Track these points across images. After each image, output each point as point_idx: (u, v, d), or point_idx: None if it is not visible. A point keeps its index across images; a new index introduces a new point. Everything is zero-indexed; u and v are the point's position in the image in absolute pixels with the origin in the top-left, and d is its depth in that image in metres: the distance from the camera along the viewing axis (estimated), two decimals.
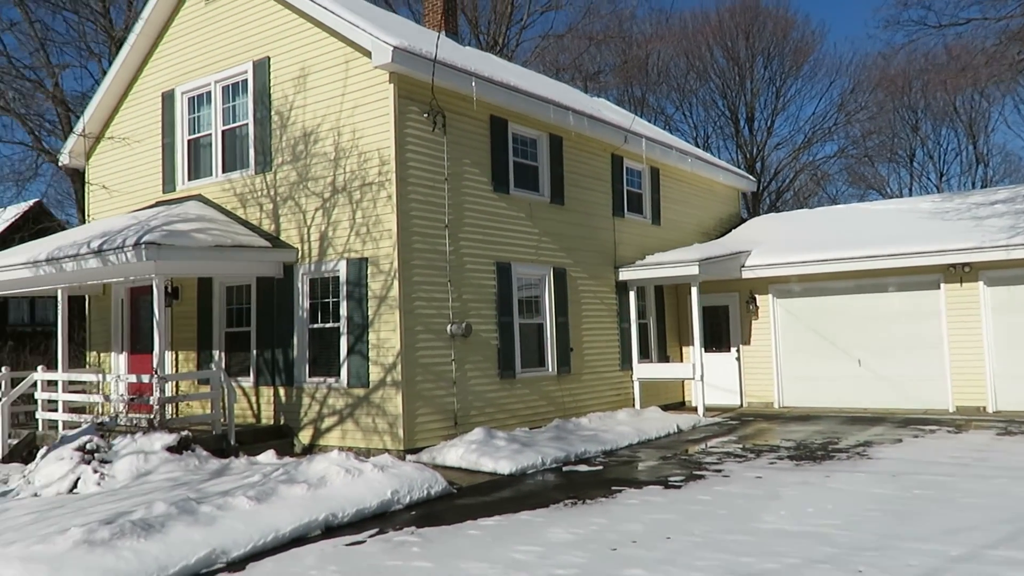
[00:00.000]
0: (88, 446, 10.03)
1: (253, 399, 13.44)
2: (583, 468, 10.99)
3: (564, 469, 10.96)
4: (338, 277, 12.51)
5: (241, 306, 13.91)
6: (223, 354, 13.94)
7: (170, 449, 10.31)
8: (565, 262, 15.16)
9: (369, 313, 12.04)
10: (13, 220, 28.88)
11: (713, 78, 41.82)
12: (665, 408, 16.69)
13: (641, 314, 17.36)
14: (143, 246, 11.12)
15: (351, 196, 12.35)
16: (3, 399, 13.08)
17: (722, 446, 12.49)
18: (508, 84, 13.50)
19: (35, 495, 9.47)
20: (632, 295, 16.77)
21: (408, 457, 11.33)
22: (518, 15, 30.50)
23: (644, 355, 17.28)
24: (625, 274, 16.55)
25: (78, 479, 9.57)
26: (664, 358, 18.03)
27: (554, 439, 12.26)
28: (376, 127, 12.05)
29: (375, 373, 11.92)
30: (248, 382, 13.45)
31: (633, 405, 16.59)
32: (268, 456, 11.04)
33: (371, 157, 12.11)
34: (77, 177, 22.33)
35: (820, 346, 17.24)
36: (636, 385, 16.67)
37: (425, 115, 12.32)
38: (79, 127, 15.91)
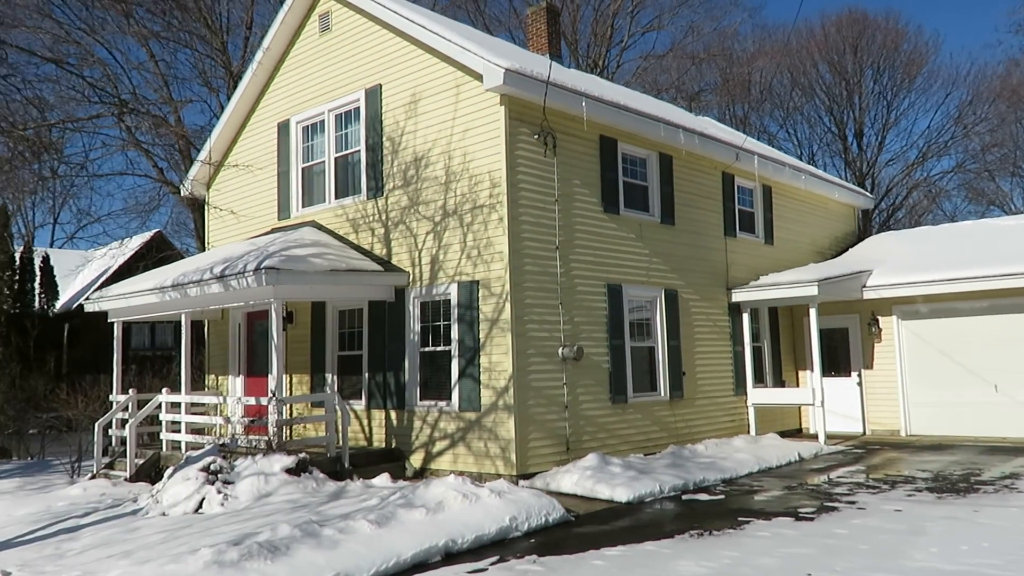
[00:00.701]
0: (212, 467, 10.25)
1: (365, 422, 13.54)
2: (703, 497, 10.53)
3: (683, 498, 10.54)
4: (449, 300, 12.50)
5: (353, 330, 14.09)
6: (335, 377, 14.13)
7: (289, 471, 10.43)
8: (676, 283, 14.76)
9: (480, 336, 11.96)
10: (137, 249, 30.37)
11: (819, 94, 40.61)
12: (782, 435, 15.97)
13: (755, 337, 16.73)
14: (263, 271, 11.38)
15: (462, 219, 12.35)
16: (131, 420, 13.58)
17: (850, 476, 11.80)
18: (618, 103, 13.30)
19: (163, 514, 9.72)
20: (746, 317, 16.18)
21: (521, 482, 11.13)
22: (618, 36, 30.37)
23: (758, 380, 16.62)
24: (738, 295, 16.00)
25: (203, 499, 9.77)
26: (779, 383, 17.30)
27: (670, 466, 11.84)
28: (487, 150, 12.04)
29: (487, 397, 11.82)
30: (360, 405, 13.57)
31: (748, 432, 15.95)
32: (382, 479, 11.04)
33: (482, 180, 12.10)
34: (196, 208, 23.34)
35: (950, 370, 16.19)
36: (751, 411, 16.03)
37: (535, 136, 12.24)
38: (203, 154, 16.55)
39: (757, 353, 16.76)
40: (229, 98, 18.44)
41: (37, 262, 29.65)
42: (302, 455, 10.87)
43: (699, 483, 11.25)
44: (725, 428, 15.46)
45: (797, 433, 17.38)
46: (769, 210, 17.65)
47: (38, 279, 29.39)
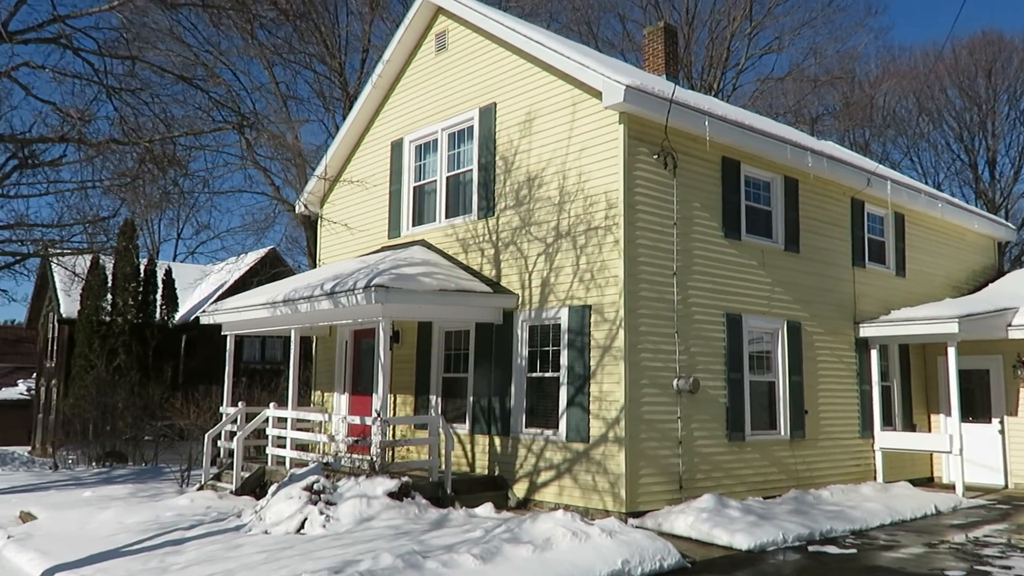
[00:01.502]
0: (315, 486, 10.07)
1: (468, 447, 13.19)
2: (832, 550, 9.64)
3: (809, 549, 9.68)
4: (559, 325, 12.05)
5: (459, 351, 13.81)
6: (440, 399, 13.86)
7: (391, 495, 10.15)
8: (800, 315, 13.85)
9: (591, 363, 11.44)
10: (252, 265, 31.31)
11: (948, 120, 38.38)
12: (912, 484, 14.70)
13: (883, 376, 15.54)
14: (372, 288, 11.22)
15: (575, 241, 11.91)
16: (239, 434, 13.67)
17: (999, 536, 10.62)
18: (742, 123, 12.63)
19: (265, 532, 9.57)
20: (874, 354, 15.06)
21: (630, 521, 10.50)
22: (734, 58, 29.48)
23: (886, 422, 15.42)
24: (867, 330, 14.92)
25: (305, 519, 9.58)
26: (909, 426, 16.02)
27: (793, 512, 10.96)
28: (604, 169, 11.58)
29: (596, 427, 11.26)
30: (463, 429, 13.23)
31: (874, 478, 14.77)
32: (486, 509, 10.62)
33: (598, 201, 11.63)
34: (308, 225, 23.76)
35: None
36: (878, 456, 14.86)
37: (655, 156, 11.71)
38: (319, 169, 16.71)
39: (885, 393, 15.57)
40: (344, 118, 18.68)
41: (160, 275, 30.90)
42: (405, 479, 10.58)
43: (826, 533, 10.34)
44: (850, 473, 14.36)
45: (928, 482, 16.02)
46: (901, 239, 16.47)
47: (160, 291, 30.59)
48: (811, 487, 13.26)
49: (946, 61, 38.35)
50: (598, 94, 11.50)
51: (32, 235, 16.04)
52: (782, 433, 13.25)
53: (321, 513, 9.61)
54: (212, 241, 69.73)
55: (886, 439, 14.87)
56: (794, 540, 9.90)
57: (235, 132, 12.97)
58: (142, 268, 29.86)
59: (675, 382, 11.56)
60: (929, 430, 16.42)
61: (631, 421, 10.97)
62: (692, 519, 10.10)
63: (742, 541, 9.50)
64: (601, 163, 11.63)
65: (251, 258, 33.01)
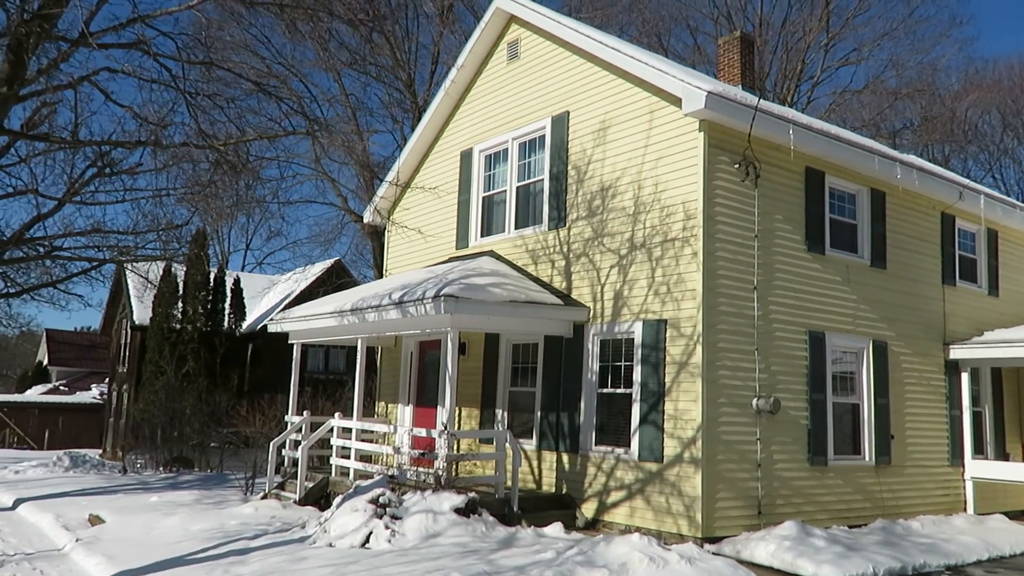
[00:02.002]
0: (381, 500, 9.83)
1: (535, 463, 12.82)
2: None
3: None
4: (632, 339, 11.62)
5: (526, 365, 13.47)
6: (506, 413, 13.54)
7: (458, 511, 9.84)
8: (886, 334, 13.14)
9: (666, 380, 10.98)
10: (318, 275, 31.56)
11: None
12: (1007, 516, 13.78)
13: (974, 401, 14.66)
14: (441, 298, 10.99)
15: (650, 253, 11.49)
16: (303, 443, 13.57)
17: None
18: (828, 132, 12.07)
19: (330, 545, 9.35)
20: (965, 377, 14.22)
21: (706, 547, 9.98)
22: (810, 70, 28.66)
23: (977, 450, 14.51)
24: (958, 352, 14.09)
25: (370, 533, 9.33)
26: (1002, 455, 15.07)
27: (882, 544, 10.29)
28: (682, 179, 11.16)
29: (670, 447, 10.78)
30: (530, 445, 12.87)
31: (964, 509, 13.90)
32: (555, 529, 10.23)
33: (675, 211, 11.21)
34: (375, 237, 23.81)
35: None
36: (969, 485, 13.99)
37: (736, 165, 11.23)
38: (390, 176, 16.62)
39: (976, 419, 14.68)
40: (413, 130, 18.60)
41: (229, 284, 31.38)
42: (472, 495, 10.27)
43: (919, 568, 9.65)
44: (938, 503, 13.53)
45: (1022, 515, 15.02)
46: (994, 257, 15.58)
47: (228, 300, 31.04)
48: (898, 517, 12.52)
49: None
50: (677, 101, 11.10)
51: (108, 241, 16.29)
52: (867, 459, 12.55)
53: (387, 528, 9.36)
54: (280, 252, 71.08)
55: (978, 468, 13.99)
56: (884, 574, 9.25)
57: (306, 139, 12.96)
58: (212, 277, 30.40)
59: (754, 402, 11.02)
60: (1023, 459, 15.43)
61: (708, 441, 10.47)
62: (774, 547, 9.53)
63: (829, 573, 8.91)
64: (679, 172, 11.21)
65: (317, 269, 33.32)
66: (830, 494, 11.87)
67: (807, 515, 11.32)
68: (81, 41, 7.49)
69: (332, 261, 34.35)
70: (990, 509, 14.10)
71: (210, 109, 9.72)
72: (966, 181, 14.96)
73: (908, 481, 13.12)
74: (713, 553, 9.60)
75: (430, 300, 11.18)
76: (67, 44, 7.66)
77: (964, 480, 14.03)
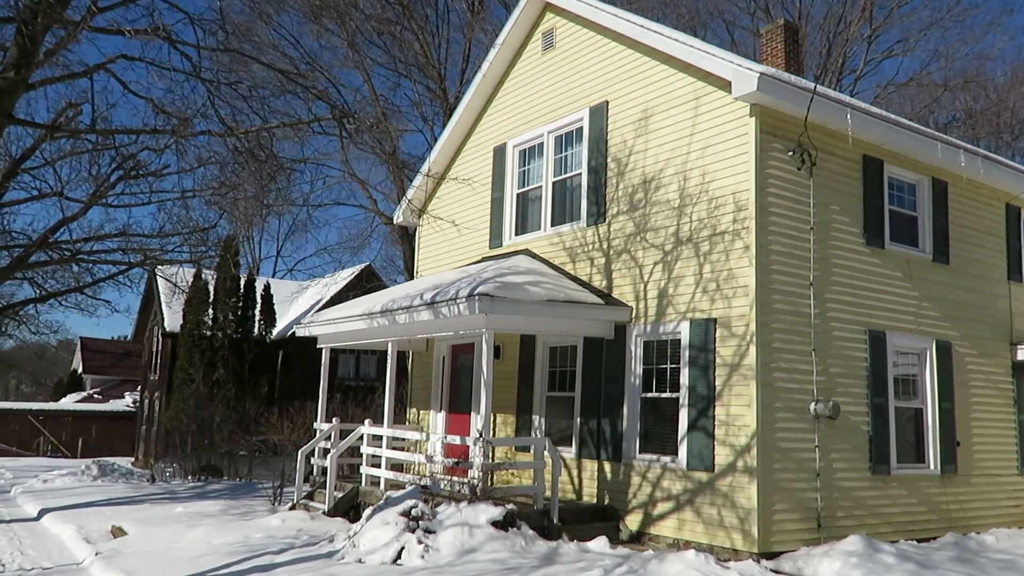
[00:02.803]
0: (413, 512, 9.21)
1: (574, 472, 12.13)
2: None
3: None
4: (679, 340, 10.91)
5: (565, 368, 12.80)
6: (543, 420, 12.87)
7: (495, 524, 9.19)
8: (950, 334, 12.29)
9: (716, 383, 10.25)
10: (348, 281, 31.15)
11: None
12: None
13: None
14: (476, 298, 10.36)
15: (697, 248, 10.78)
16: (332, 452, 13.01)
17: None
18: (888, 118, 11.29)
19: (359, 561, 8.75)
20: None
21: (763, 562, 9.23)
22: (852, 63, 27.69)
23: None
24: None
25: (402, 548, 8.71)
26: None
27: (956, 560, 9.46)
28: (731, 168, 10.44)
29: (722, 455, 10.05)
30: (569, 453, 12.18)
31: None
32: (600, 544, 9.54)
33: (724, 203, 10.49)
34: (405, 240, 23.31)
35: None
36: None
37: (790, 153, 10.49)
38: (424, 168, 16.01)
39: None
40: (444, 127, 18.06)
41: (259, 290, 31.09)
42: (510, 506, 9.61)
43: None
44: (1008, 515, 12.61)
45: None
46: None
47: (259, 306, 30.74)
48: (966, 530, 11.66)
49: None
50: (726, 85, 10.39)
51: (133, 244, 15.93)
52: (931, 467, 11.70)
53: (420, 542, 8.73)
54: (310, 259, 71.12)
55: None
56: None
57: (334, 141, 12.39)
58: (242, 283, 30.12)
59: (812, 406, 10.24)
60: None
61: (764, 449, 9.72)
62: (839, 564, 8.75)
63: None
64: (729, 161, 10.49)
65: (347, 274, 32.94)
66: (893, 505, 11.04)
67: (870, 528, 10.51)
68: (87, 18, 7.00)
69: (362, 266, 33.96)
70: None
71: (233, 100, 9.23)
72: None
73: (975, 491, 12.23)
74: (772, 571, 8.86)
75: (463, 300, 10.57)
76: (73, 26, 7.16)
77: None
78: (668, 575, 7.22)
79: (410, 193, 16.73)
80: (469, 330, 11.21)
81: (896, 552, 9.21)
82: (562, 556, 8.79)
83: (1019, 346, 13.26)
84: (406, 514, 9.20)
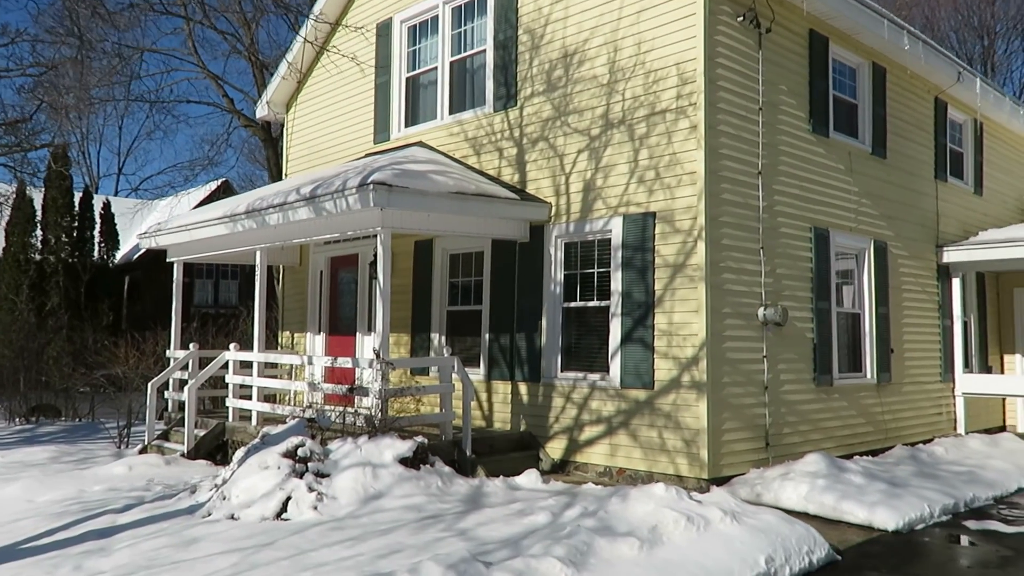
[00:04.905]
0: (300, 451, 7.32)
1: (483, 396, 10.53)
2: (997, 526, 7.24)
3: (968, 525, 7.28)
4: (608, 240, 9.35)
5: (468, 279, 11.07)
6: (444, 339, 11.14)
7: (403, 462, 7.46)
8: (885, 234, 11.37)
9: (656, 288, 8.80)
10: (202, 199, 27.87)
11: None
12: (988, 433, 12.48)
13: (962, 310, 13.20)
14: (371, 187, 8.37)
15: (632, 131, 9.16)
16: (191, 382, 10.81)
17: None
18: None
19: (232, 517, 6.82)
20: (956, 283, 12.70)
21: (714, 489, 7.99)
22: None
23: (965, 363, 13.10)
24: (952, 255, 12.53)
25: (288, 498, 6.85)
26: (984, 368, 13.78)
27: (920, 476, 8.57)
28: (675, 35, 8.80)
29: (663, 370, 8.66)
30: (477, 375, 10.53)
31: (954, 428, 12.54)
32: (530, 479, 8.02)
33: (665, 76, 8.87)
34: (269, 145, 20.61)
35: None
36: (960, 402, 12.59)
37: (739, 19, 8.95)
38: (290, 55, 13.50)
39: (964, 330, 13.23)
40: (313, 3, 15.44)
41: (98, 209, 27.44)
42: (420, 439, 7.87)
43: (970, 503, 7.97)
44: (931, 423, 12.08)
45: (1000, 431, 13.84)
46: (980, 152, 14.03)
47: (98, 227, 27.17)
48: (897, 441, 10.97)
49: None
50: None
51: None
52: (868, 376, 10.85)
53: (311, 490, 6.89)
54: (157, 177, 64.98)
55: (969, 383, 12.59)
56: (941, 513, 7.50)
57: (178, 6, 10.03)
58: (76, 200, 26.40)
59: (761, 311, 8.98)
60: (1002, 371, 14.24)
61: (713, 361, 8.39)
62: (806, 488, 7.60)
63: (886, 518, 7.03)
64: (671, 27, 8.84)
65: (202, 193, 29.61)
66: (835, 418, 10.10)
67: (814, 444, 9.52)
68: None
69: (218, 182, 30.70)
70: (975, 427, 12.84)
71: None
72: (961, 64, 13.17)
73: (906, 400, 11.55)
74: (745, 500, 7.60)
75: (353, 191, 8.55)
76: None
77: (955, 396, 12.62)
78: (636, 517, 5.75)
79: (274, 82, 14.19)
80: (360, 230, 9.21)
81: (862, 471, 8.18)
82: (489, 497, 7.19)
83: (944, 248, 12.59)
84: (291, 455, 7.30)
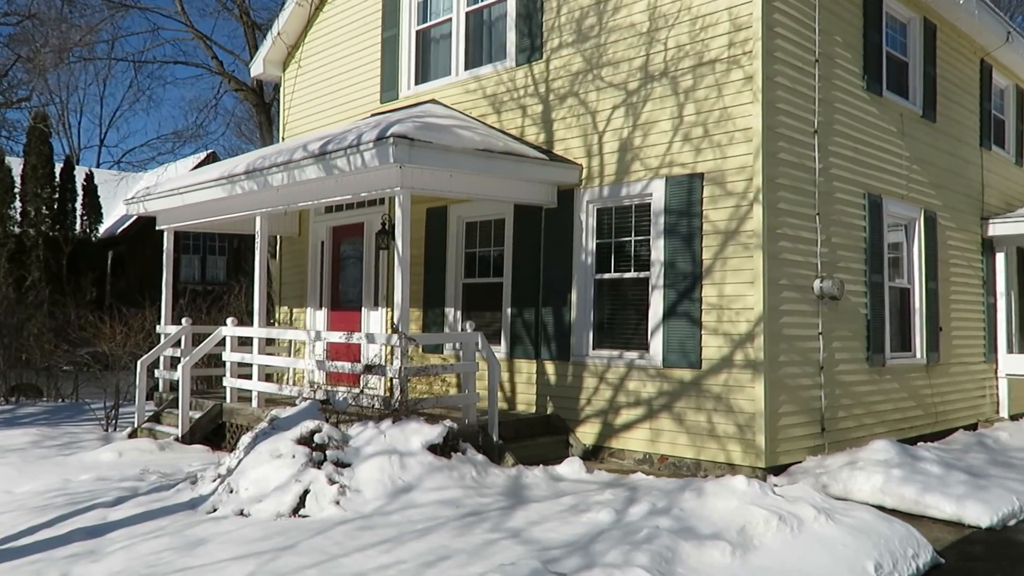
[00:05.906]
0: (317, 438, 6.45)
1: (505, 376, 9.69)
2: None
3: None
4: (648, 204, 8.51)
5: (487, 250, 10.20)
6: (460, 313, 10.28)
7: (432, 449, 6.62)
8: (935, 203, 10.59)
9: (704, 257, 7.97)
10: (190, 169, 26.78)
11: None
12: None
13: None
14: (390, 140, 7.46)
15: (675, 83, 8.29)
16: (185, 360, 9.90)
17: None
18: None
19: (242, 513, 5.97)
20: (1000, 258, 11.98)
21: (770, 479, 7.22)
22: None
23: (1008, 343, 12.39)
24: (998, 228, 11.78)
25: (306, 492, 5.99)
26: (1023, 347, 13.09)
27: (994, 464, 7.84)
28: None
29: (713, 348, 7.85)
30: (499, 352, 9.68)
31: (997, 411, 11.85)
32: (573, 469, 7.22)
33: (715, 22, 8.00)
34: (262, 111, 19.58)
35: None
36: (1003, 384, 11.90)
37: None
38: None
39: (1007, 307, 12.51)
40: None
41: (80, 180, 26.27)
42: (449, 424, 7.03)
43: None
44: (976, 407, 11.37)
45: None
46: (1022, 121, 13.27)
47: (80, 199, 26.02)
48: (944, 425, 10.26)
49: None
50: None
51: None
52: (918, 356, 10.10)
53: (332, 482, 6.04)
54: (140, 150, 63.27)
55: (1013, 363, 11.89)
56: None
57: None
58: (57, 170, 25.23)
59: (817, 284, 8.18)
60: None
61: (771, 338, 7.59)
62: (881, 479, 6.83)
63: (979, 514, 6.28)
64: None
65: (189, 163, 28.48)
66: (886, 401, 9.34)
67: (867, 429, 8.78)
68: None
69: (205, 154, 29.57)
70: (1018, 411, 12.16)
71: None
72: (1010, 24, 12.35)
73: (952, 382, 10.82)
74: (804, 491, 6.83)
75: (370, 145, 7.64)
76: None
77: (998, 378, 11.92)
78: (719, 515, 4.95)
79: (273, 35, 13.15)
80: (376, 191, 8.32)
81: (937, 459, 7.42)
82: (531, 489, 6.37)
83: (990, 220, 11.84)
84: (306, 441, 6.43)
